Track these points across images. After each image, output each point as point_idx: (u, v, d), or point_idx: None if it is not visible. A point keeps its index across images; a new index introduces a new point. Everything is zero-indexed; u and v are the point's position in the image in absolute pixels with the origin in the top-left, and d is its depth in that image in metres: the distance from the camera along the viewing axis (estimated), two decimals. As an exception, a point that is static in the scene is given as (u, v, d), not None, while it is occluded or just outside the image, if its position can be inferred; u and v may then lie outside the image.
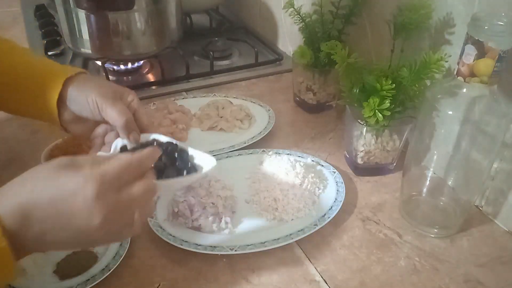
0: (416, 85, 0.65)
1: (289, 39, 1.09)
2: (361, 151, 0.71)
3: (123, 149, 0.55)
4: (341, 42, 0.81)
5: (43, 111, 0.59)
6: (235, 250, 0.58)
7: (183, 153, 0.55)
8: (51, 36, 1.14)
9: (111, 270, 0.55)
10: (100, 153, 0.57)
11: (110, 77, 0.95)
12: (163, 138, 0.57)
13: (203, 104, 0.88)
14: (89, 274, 0.54)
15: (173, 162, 0.52)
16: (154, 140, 0.57)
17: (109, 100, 0.55)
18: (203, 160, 0.55)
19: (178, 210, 0.62)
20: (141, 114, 0.59)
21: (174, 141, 0.56)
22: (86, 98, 0.56)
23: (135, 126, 0.57)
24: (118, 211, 0.42)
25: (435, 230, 0.63)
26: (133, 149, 0.55)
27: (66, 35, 0.96)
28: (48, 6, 1.32)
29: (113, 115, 0.55)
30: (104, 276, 0.54)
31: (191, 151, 0.55)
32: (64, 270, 0.55)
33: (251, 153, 0.76)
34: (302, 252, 0.60)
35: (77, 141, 0.69)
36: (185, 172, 0.52)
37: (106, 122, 0.57)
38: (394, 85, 0.64)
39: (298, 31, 0.86)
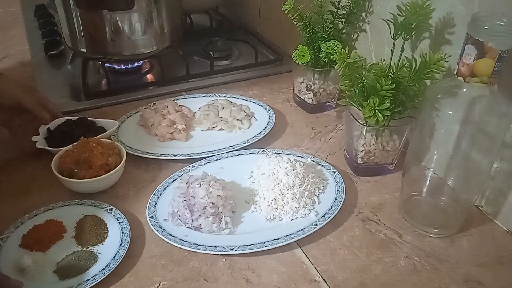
0: (416, 85, 0.65)
1: (289, 39, 1.09)
2: (361, 151, 0.71)
3: (49, 130, 0.76)
4: (341, 42, 0.81)
5: None
6: (235, 250, 0.58)
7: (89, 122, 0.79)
8: (51, 36, 1.14)
9: (111, 270, 0.55)
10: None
11: (110, 77, 0.95)
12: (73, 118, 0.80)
13: (203, 104, 0.88)
14: (89, 274, 0.54)
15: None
16: (66, 119, 0.78)
17: (27, 92, 0.75)
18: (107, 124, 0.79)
19: (178, 210, 0.62)
20: (50, 103, 0.78)
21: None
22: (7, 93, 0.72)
23: (48, 109, 0.77)
24: None
25: (435, 230, 0.63)
26: (56, 129, 0.76)
27: (66, 35, 0.96)
28: (48, 6, 1.33)
29: (33, 103, 0.74)
30: (104, 276, 0.54)
31: (97, 121, 0.79)
32: (64, 270, 0.55)
33: (251, 153, 0.76)
34: (302, 252, 0.60)
35: (88, 147, 0.67)
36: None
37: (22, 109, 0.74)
38: (394, 85, 0.64)
39: (298, 31, 0.86)
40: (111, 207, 0.64)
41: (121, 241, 0.59)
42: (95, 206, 0.64)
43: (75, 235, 0.60)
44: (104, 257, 0.57)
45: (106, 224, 0.61)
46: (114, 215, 0.62)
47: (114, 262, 0.56)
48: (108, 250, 0.58)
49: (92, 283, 0.53)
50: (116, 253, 0.57)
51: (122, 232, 0.60)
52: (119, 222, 0.61)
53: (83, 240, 0.59)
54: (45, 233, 0.60)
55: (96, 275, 0.54)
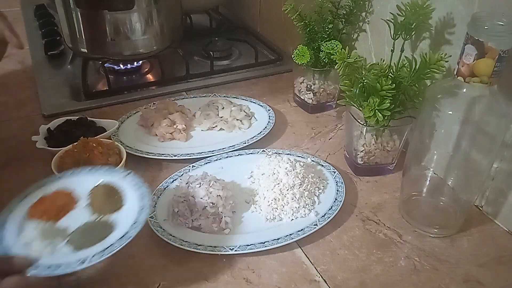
0: (416, 85, 0.65)
1: (289, 39, 1.09)
2: (361, 151, 0.71)
3: (49, 130, 0.76)
4: (341, 42, 0.81)
5: None
6: (235, 250, 0.58)
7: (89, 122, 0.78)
8: (51, 36, 1.14)
9: (131, 238, 0.50)
10: None
11: (110, 77, 0.95)
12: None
13: (203, 104, 0.88)
14: (105, 243, 0.50)
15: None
16: (66, 119, 0.78)
17: None
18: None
19: (178, 210, 0.62)
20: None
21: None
22: None
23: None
24: None
25: (435, 230, 0.63)
26: (56, 129, 0.76)
27: (66, 35, 0.96)
28: (48, 6, 1.33)
29: None
30: (123, 245, 0.49)
31: (97, 121, 0.78)
32: (77, 241, 0.51)
33: (251, 153, 0.76)
34: (302, 252, 0.60)
35: (88, 147, 0.67)
36: None
37: None
38: (394, 85, 0.64)
39: (298, 31, 0.86)
40: (127, 172, 0.59)
41: (141, 207, 0.54)
42: (109, 173, 0.59)
43: (87, 205, 0.56)
44: (122, 226, 0.52)
45: (121, 191, 0.57)
46: (130, 181, 0.57)
47: (134, 230, 0.50)
48: (126, 218, 0.53)
49: (109, 252, 0.48)
50: (135, 221, 0.52)
51: (142, 198, 0.55)
52: (137, 188, 0.57)
53: (96, 209, 0.55)
54: (53, 204, 0.55)
55: (113, 244, 0.49)
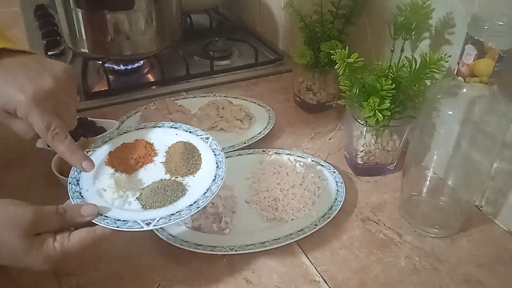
0: (416, 85, 0.65)
1: (289, 39, 1.09)
2: (361, 151, 0.71)
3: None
4: (341, 42, 0.81)
5: None
6: (235, 250, 0.58)
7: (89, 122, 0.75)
8: (51, 36, 1.14)
9: (199, 208, 0.48)
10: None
11: (110, 77, 0.95)
12: None
13: (203, 104, 0.88)
14: (174, 208, 0.49)
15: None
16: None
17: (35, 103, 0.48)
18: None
19: (178, 210, 0.62)
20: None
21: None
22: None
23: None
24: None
25: (435, 230, 0.63)
26: None
27: (66, 35, 0.96)
28: (48, 6, 1.32)
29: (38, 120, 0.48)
30: (191, 213, 0.48)
31: (97, 121, 0.74)
32: (147, 198, 0.50)
33: (251, 153, 0.76)
34: (302, 252, 0.60)
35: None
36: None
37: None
38: (394, 85, 0.64)
39: (298, 31, 0.86)
40: (208, 136, 0.57)
41: (215, 176, 0.52)
42: (190, 132, 0.58)
43: (165, 161, 0.55)
44: (193, 192, 0.51)
45: (200, 154, 0.56)
46: (210, 146, 0.56)
47: (204, 199, 0.49)
48: (199, 184, 0.51)
49: (177, 219, 0.47)
50: (208, 189, 0.50)
51: (217, 167, 0.53)
52: (215, 155, 0.55)
53: (172, 168, 0.54)
54: (133, 154, 0.55)
55: (181, 211, 0.48)
